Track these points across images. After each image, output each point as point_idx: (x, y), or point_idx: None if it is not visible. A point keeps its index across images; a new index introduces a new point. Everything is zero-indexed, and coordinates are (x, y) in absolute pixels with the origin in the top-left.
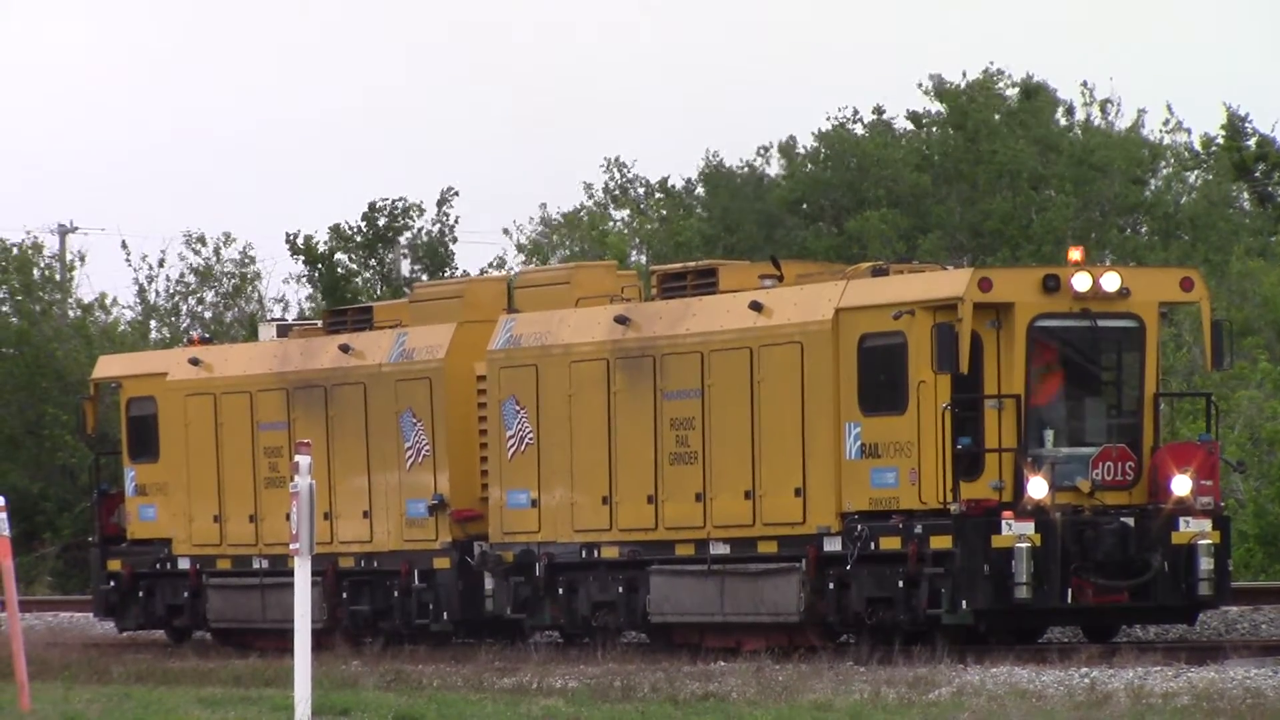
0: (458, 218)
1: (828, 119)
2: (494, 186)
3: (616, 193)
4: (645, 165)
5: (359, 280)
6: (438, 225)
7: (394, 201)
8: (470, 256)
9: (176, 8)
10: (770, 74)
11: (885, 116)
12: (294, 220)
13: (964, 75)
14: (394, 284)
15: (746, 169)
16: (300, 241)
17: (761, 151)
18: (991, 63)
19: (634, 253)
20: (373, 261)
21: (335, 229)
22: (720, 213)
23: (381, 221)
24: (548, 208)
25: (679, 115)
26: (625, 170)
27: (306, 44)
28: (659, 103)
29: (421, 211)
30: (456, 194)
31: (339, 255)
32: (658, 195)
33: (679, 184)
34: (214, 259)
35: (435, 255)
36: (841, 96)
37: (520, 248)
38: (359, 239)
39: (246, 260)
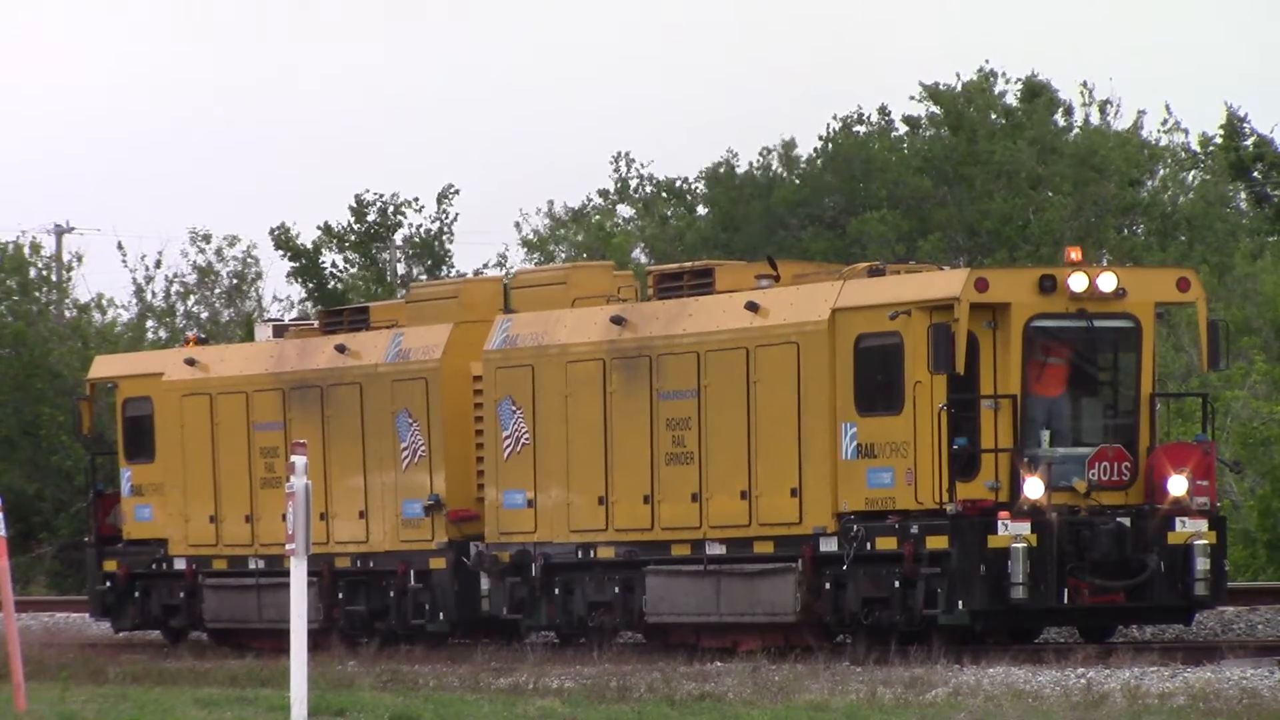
0: (457, 214)
1: (835, 118)
2: (500, 181)
3: (620, 187)
4: (649, 164)
5: (348, 278)
6: (436, 222)
7: (385, 196)
8: (470, 256)
9: (175, 7)
10: (770, 75)
11: (888, 119)
12: (294, 220)
13: (958, 76)
14: (389, 284)
15: (759, 170)
16: (283, 235)
17: (765, 153)
18: (987, 61)
19: (638, 253)
20: (366, 259)
21: (325, 227)
22: (721, 216)
23: (371, 216)
24: (555, 204)
25: (683, 115)
26: (632, 164)
27: (306, 41)
28: (663, 102)
29: (420, 208)
30: (457, 191)
31: (330, 254)
32: (663, 195)
33: (683, 183)
34: (215, 258)
35: (431, 251)
36: (840, 97)
37: (526, 242)
38: (352, 236)
39: (250, 260)
